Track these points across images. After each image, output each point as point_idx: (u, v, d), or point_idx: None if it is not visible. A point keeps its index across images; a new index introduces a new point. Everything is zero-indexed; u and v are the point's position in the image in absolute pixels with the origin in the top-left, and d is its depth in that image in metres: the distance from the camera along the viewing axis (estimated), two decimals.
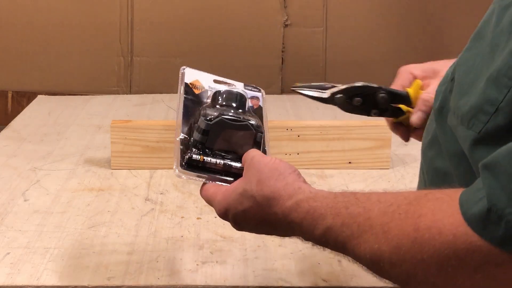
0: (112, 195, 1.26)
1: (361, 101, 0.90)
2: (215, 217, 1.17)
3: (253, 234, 1.10)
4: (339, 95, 0.89)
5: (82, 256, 1.03)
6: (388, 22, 2.51)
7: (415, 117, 0.91)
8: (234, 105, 0.88)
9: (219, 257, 1.04)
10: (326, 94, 0.90)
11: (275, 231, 0.77)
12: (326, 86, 0.91)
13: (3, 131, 1.62)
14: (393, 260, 0.61)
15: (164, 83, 2.47)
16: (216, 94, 0.90)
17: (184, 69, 0.93)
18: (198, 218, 1.17)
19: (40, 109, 1.81)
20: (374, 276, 0.67)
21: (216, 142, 0.83)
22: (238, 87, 0.94)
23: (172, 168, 1.36)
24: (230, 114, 0.85)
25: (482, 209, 0.56)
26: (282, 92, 2.48)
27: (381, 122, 1.40)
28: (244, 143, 0.83)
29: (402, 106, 0.92)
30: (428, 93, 0.90)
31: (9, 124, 1.69)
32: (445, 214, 0.58)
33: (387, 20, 2.50)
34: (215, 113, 0.84)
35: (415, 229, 0.59)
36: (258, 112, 0.92)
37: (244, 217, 0.77)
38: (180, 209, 1.21)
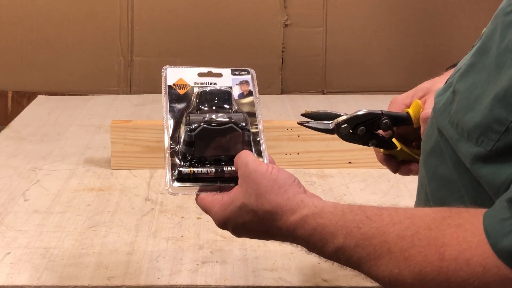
0: (112, 195, 1.26)
1: (365, 130, 0.90)
2: None
3: None
4: (344, 125, 0.89)
5: (82, 256, 1.03)
6: (388, 22, 2.51)
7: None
8: (219, 104, 0.87)
9: (219, 257, 1.04)
10: (331, 125, 0.90)
11: (278, 240, 0.76)
12: (331, 114, 0.90)
13: (3, 131, 1.62)
14: (416, 286, 0.61)
15: None
16: (199, 95, 0.88)
17: (165, 69, 0.90)
18: (198, 218, 1.17)
19: (40, 109, 1.81)
20: None
21: (203, 150, 0.82)
22: (225, 74, 0.90)
23: None
24: (213, 119, 0.83)
25: None
26: (282, 92, 2.49)
27: None
28: (233, 145, 0.82)
29: (395, 141, 0.92)
30: (426, 111, 0.88)
31: (9, 124, 1.69)
32: (471, 244, 0.58)
33: (387, 20, 2.50)
34: (197, 122, 0.82)
35: (440, 258, 0.59)
36: (248, 96, 0.90)
37: (245, 228, 0.76)
38: (180, 209, 1.20)
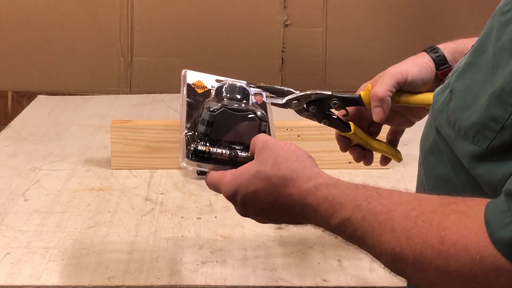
0: (112, 195, 1.26)
1: (316, 108, 0.94)
2: (215, 217, 1.17)
3: (254, 234, 1.10)
4: (295, 101, 0.95)
5: (82, 256, 1.03)
6: (388, 22, 2.51)
7: (374, 114, 0.92)
8: (237, 97, 0.89)
9: (219, 257, 1.04)
10: (283, 101, 0.95)
11: (284, 216, 0.76)
12: (284, 91, 0.96)
13: (3, 131, 1.62)
14: (416, 266, 0.62)
15: (164, 83, 2.47)
16: (219, 88, 0.90)
17: (185, 71, 0.93)
18: (198, 218, 1.17)
19: (40, 109, 1.81)
20: (390, 274, 0.68)
21: (221, 133, 0.83)
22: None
23: (171, 169, 1.37)
24: (234, 105, 0.85)
25: (510, 236, 0.57)
26: None
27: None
28: (249, 133, 0.83)
29: (351, 124, 0.96)
30: (375, 90, 0.92)
31: (9, 124, 1.69)
32: (471, 231, 0.59)
33: (387, 20, 2.51)
34: (219, 105, 0.84)
35: (440, 241, 0.60)
36: (262, 106, 0.92)
37: (254, 198, 0.76)
38: (180, 209, 1.21)
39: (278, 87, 0.96)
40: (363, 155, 0.99)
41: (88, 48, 2.47)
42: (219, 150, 0.82)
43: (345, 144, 0.98)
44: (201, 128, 0.84)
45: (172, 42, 2.47)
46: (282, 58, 2.50)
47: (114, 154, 1.38)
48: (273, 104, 0.95)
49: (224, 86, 0.90)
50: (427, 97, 0.92)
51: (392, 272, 0.67)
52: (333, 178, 0.73)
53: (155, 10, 2.46)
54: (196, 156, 0.83)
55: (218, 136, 0.83)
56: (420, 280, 0.63)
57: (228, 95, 0.89)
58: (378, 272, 0.99)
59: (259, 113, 0.85)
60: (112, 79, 2.50)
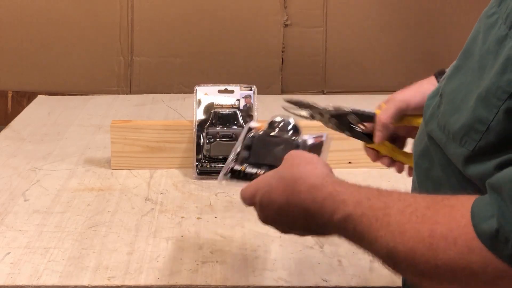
0: (112, 195, 1.26)
1: (337, 122, 1.03)
2: (215, 217, 1.17)
3: (254, 234, 1.10)
4: (317, 115, 1.03)
5: (82, 256, 1.03)
6: (388, 22, 2.51)
7: (375, 136, 1.00)
8: (287, 130, 0.96)
9: (219, 257, 1.04)
10: (307, 114, 1.04)
11: (296, 220, 0.76)
12: (310, 104, 1.04)
13: (3, 131, 1.62)
14: (408, 261, 0.63)
15: (164, 83, 2.47)
16: (272, 122, 0.98)
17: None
18: (198, 218, 1.17)
19: (40, 109, 1.82)
20: (390, 273, 0.69)
21: (259, 156, 0.91)
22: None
23: (171, 169, 1.37)
24: (273, 132, 0.94)
25: (491, 228, 0.58)
26: (282, 92, 2.48)
27: None
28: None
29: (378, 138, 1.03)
30: (379, 116, 0.99)
31: (9, 124, 1.69)
32: (459, 224, 0.60)
33: (387, 20, 2.50)
34: (259, 132, 0.94)
35: (431, 235, 0.61)
36: (318, 146, 0.98)
37: (270, 198, 0.78)
38: (180, 209, 1.21)
39: (305, 101, 1.04)
40: (392, 165, 1.03)
41: (88, 48, 2.47)
42: (254, 170, 0.89)
43: (373, 155, 1.04)
44: (242, 152, 0.92)
45: (172, 42, 2.47)
46: (282, 58, 2.50)
47: (114, 154, 1.38)
48: (299, 115, 1.03)
49: (276, 121, 0.98)
50: None
51: (389, 269, 0.68)
52: (341, 179, 0.75)
53: (155, 10, 2.46)
54: (232, 174, 0.90)
55: (257, 159, 0.90)
56: (413, 274, 0.64)
57: (279, 127, 0.96)
58: (378, 272, 0.99)
59: (298, 139, 0.93)
60: (112, 79, 2.49)
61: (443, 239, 0.60)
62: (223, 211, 1.19)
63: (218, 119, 1.34)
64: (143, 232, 1.11)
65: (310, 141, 0.95)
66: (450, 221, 0.61)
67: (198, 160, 1.34)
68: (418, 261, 0.62)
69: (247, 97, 1.35)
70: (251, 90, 1.37)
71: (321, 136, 0.98)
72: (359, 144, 1.40)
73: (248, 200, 0.82)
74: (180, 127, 1.38)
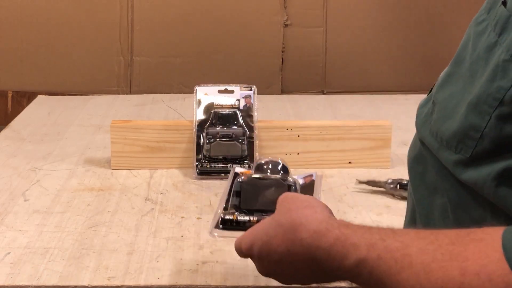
0: (112, 195, 1.26)
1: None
2: None
3: None
4: (390, 185, 1.23)
5: (82, 256, 1.03)
6: (388, 22, 2.51)
7: None
8: (276, 171, 0.95)
9: (219, 257, 1.04)
10: (380, 184, 1.24)
11: (297, 269, 0.71)
12: (381, 183, 1.24)
13: (3, 131, 1.62)
14: None
15: (164, 83, 2.47)
16: (259, 165, 0.97)
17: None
18: (198, 218, 1.17)
19: (40, 109, 1.82)
20: None
21: (250, 202, 0.87)
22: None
23: (171, 169, 1.37)
24: (262, 174, 0.90)
25: None
26: (282, 92, 2.49)
27: (381, 122, 1.41)
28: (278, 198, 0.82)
29: None
30: None
31: (9, 124, 1.69)
32: (491, 259, 0.57)
33: (387, 20, 2.51)
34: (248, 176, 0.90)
35: (461, 273, 0.58)
36: (310, 183, 0.96)
37: (269, 248, 0.72)
38: (180, 209, 1.21)
39: (373, 180, 1.24)
40: None
41: (88, 48, 2.48)
42: (246, 217, 0.85)
43: None
44: (232, 199, 0.88)
45: (172, 42, 2.47)
46: (282, 58, 2.50)
47: (114, 154, 1.38)
48: (372, 185, 1.21)
49: (263, 163, 0.97)
50: None
51: None
52: (346, 221, 0.69)
53: (155, 10, 2.47)
54: (224, 224, 0.85)
55: (248, 205, 0.87)
56: None
57: (267, 169, 0.95)
58: None
59: (289, 179, 0.89)
60: (112, 79, 2.50)
61: (476, 276, 0.57)
62: None
63: (218, 119, 1.34)
64: (143, 232, 1.11)
65: (300, 181, 0.91)
66: (481, 257, 0.57)
67: (198, 160, 1.34)
68: None
69: (247, 97, 1.35)
70: (251, 90, 1.37)
71: (311, 175, 0.94)
72: (359, 144, 1.40)
73: (245, 252, 0.76)
74: (180, 127, 1.38)
